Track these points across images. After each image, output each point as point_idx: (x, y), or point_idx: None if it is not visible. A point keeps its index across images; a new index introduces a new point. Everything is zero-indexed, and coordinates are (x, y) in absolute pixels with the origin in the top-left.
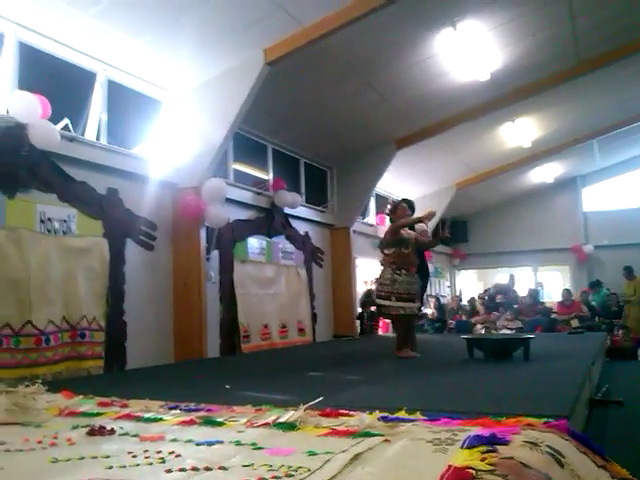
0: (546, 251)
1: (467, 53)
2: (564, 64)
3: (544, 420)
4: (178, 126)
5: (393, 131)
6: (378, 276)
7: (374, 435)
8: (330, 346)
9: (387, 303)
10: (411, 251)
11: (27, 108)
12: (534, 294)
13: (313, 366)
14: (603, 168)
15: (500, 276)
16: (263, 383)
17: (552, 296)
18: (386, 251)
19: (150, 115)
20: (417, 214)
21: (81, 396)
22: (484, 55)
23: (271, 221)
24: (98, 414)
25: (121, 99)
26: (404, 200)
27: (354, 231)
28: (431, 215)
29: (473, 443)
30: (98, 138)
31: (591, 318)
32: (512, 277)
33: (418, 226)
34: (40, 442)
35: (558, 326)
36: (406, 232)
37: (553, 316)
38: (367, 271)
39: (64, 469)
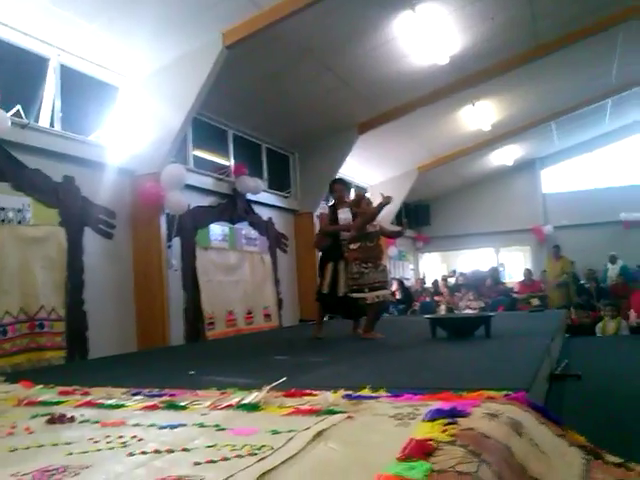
0: (507, 232)
1: (426, 36)
2: (523, 47)
3: (504, 393)
4: (135, 112)
5: (354, 115)
6: (346, 271)
7: (337, 412)
8: (296, 330)
9: (362, 295)
10: (375, 244)
11: None
12: (495, 275)
13: (279, 350)
14: (561, 150)
15: (461, 258)
16: (228, 368)
17: (513, 276)
18: (352, 246)
19: (106, 101)
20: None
21: (41, 386)
22: (443, 38)
23: (233, 207)
24: (58, 403)
25: (76, 85)
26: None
27: (318, 216)
28: (387, 200)
29: (434, 416)
30: (52, 125)
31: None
32: (495, 269)
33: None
34: None
35: (519, 305)
36: (371, 225)
37: (514, 296)
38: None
39: (23, 457)
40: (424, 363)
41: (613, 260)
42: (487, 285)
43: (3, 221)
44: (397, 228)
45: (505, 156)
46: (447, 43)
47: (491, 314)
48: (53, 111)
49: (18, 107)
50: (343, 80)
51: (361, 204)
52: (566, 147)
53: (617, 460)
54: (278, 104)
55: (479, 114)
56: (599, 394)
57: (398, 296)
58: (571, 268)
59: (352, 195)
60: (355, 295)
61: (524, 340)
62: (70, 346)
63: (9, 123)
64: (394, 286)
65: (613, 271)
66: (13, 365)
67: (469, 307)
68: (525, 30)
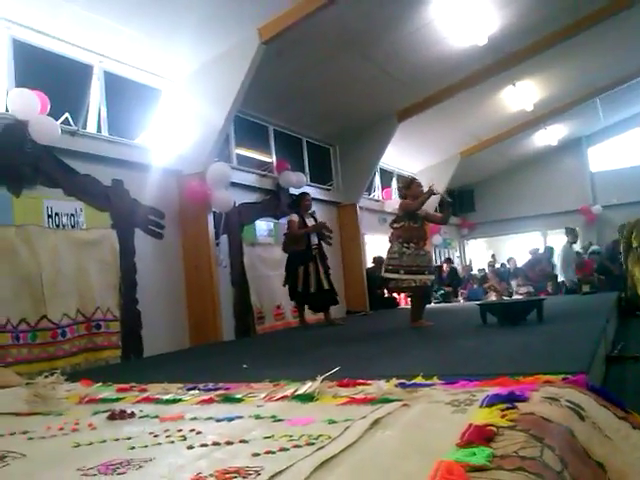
0: (554, 214)
1: (463, 17)
2: (562, 22)
3: (562, 376)
4: (178, 113)
5: (394, 103)
6: (387, 251)
7: (393, 401)
8: (344, 322)
9: (395, 276)
10: (420, 225)
11: (26, 105)
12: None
13: (328, 342)
14: (607, 126)
15: (508, 243)
16: (280, 361)
17: None
18: (395, 225)
19: (150, 104)
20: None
21: (100, 384)
22: (480, 18)
23: (277, 202)
24: (118, 399)
25: (119, 90)
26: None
27: (361, 207)
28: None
29: (492, 401)
30: (99, 130)
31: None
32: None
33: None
34: (62, 429)
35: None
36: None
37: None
38: (376, 247)
39: (87, 452)
40: (477, 350)
41: None
42: (539, 269)
43: (58, 226)
44: (439, 215)
45: (550, 136)
46: (485, 22)
47: (543, 297)
48: (99, 117)
49: (67, 115)
50: (381, 68)
51: (412, 187)
52: (613, 123)
53: None
54: (317, 97)
55: (521, 94)
56: None
57: (444, 277)
58: None
59: (394, 183)
60: (388, 276)
61: (578, 323)
62: (125, 345)
63: (59, 131)
64: (444, 267)
65: None
66: (72, 365)
67: (517, 292)
68: (564, 3)
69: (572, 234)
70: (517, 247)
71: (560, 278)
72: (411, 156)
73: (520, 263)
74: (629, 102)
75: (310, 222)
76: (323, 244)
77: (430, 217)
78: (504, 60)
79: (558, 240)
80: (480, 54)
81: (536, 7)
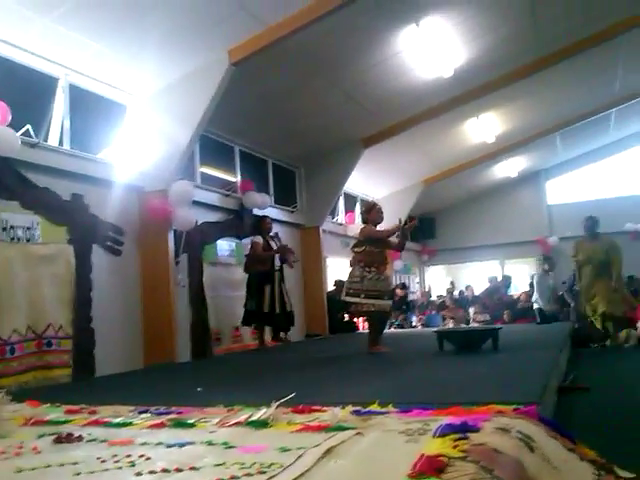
0: (512, 244)
1: (430, 50)
2: (526, 58)
3: (514, 407)
4: (143, 129)
5: (360, 130)
6: (348, 275)
7: (347, 429)
8: (302, 345)
9: (356, 300)
10: (381, 250)
11: None
12: (508, 284)
13: (285, 366)
14: (566, 161)
15: (466, 271)
16: (235, 385)
17: (519, 288)
18: (356, 249)
19: (114, 119)
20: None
21: (48, 404)
22: (447, 51)
23: (240, 223)
24: (65, 422)
25: (84, 104)
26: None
27: (324, 230)
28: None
29: (445, 431)
30: (61, 143)
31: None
32: (508, 278)
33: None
34: (3, 453)
35: (529, 317)
36: (377, 232)
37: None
38: (337, 270)
39: (29, 478)
40: (432, 377)
41: None
42: (497, 297)
43: (12, 239)
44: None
45: (510, 168)
46: (451, 56)
47: (498, 327)
48: (62, 130)
49: (28, 126)
50: (349, 95)
51: (372, 212)
52: (571, 158)
53: (629, 475)
54: (284, 120)
55: (483, 126)
56: (609, 407)
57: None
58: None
59: (357, 207)
60: (349, 299)
61: (532, 352)
62: (77, 364)
63: (19, 142)
64: (397, 291)
65: None
66: (20, 383)
67: (474, 320)
68: (528, 41)
69: (549, 262)
70: (475, 275)
71: (536, 306)
72: (375, 182)
73: (478, 291)
74: (587, 138)
75: (273, 244)
76: (285, 266)
77: (387, 243)
78: (468, 93)
79: (515, 269)
80: (446, 86)
81: (502, 43)
